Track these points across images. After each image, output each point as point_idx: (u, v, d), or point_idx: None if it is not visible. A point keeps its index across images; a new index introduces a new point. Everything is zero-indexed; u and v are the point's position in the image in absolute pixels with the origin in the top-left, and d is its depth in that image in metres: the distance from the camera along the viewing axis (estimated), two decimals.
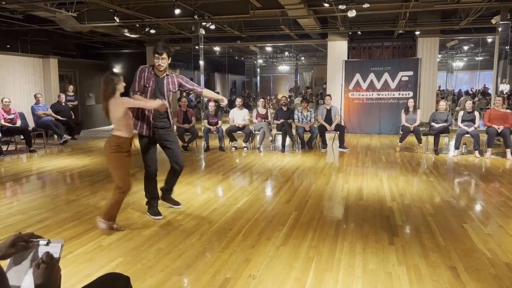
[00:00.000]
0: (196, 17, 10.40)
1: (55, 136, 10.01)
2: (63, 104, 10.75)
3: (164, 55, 4.22)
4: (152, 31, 12.53)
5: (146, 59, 14.63)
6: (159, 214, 4.40)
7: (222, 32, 12.86)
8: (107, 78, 3.82)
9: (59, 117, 10.26)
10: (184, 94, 15.07)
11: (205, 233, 3.94)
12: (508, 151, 7.73)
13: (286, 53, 22.07)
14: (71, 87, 12.12)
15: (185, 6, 9.83)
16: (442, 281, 2.95)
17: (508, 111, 8.13)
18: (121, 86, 3.87)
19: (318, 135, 9.11)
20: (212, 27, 11.83)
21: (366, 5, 9.25)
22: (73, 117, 11.02)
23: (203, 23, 11.52)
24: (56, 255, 1.43)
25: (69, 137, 10.38)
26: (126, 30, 12.77)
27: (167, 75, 4.34)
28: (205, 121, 9.18)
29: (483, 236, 3.83)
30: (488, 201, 5.09)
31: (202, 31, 12.07)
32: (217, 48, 17.79)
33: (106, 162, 4.13)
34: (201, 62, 12.27)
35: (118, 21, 10.46)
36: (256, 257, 3.37)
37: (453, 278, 3.00)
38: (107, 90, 3.79)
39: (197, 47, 12.09)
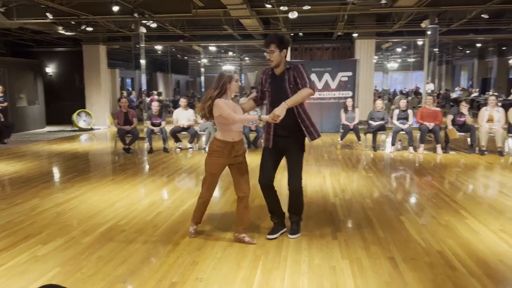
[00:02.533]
0: (136, 15, 10.08)
1: None
2: None
3: (272, 47, 3.48)
4: (89, 29, 11.96)
5: (82, 58, 13.96)
6: (271, 232, 3.79)
7: (164, 30, 12.59)
8: (220, 74, 3.51)
9: None
10: (124, 93, 14.56)
11: (150, 237, 3.83)
12: (438, 146, 8.28)
13: (230, 53, 22.09)
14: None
15: (124, 4, 9.50)
16: (382, 272, 3.09)
17: (438, 109, 8.72)
18: (234, 87, 3.52)
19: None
20: (154, 25, 11.54)
21: (306, 7, 9.50)
22: (2, 119, 10.25)
23: (144, 21, 11.20)
24: None
25: None
26: (60, 28, 12.09)
27: (287, 69, 3.56)
28: (148, 122, 8.93)
29: (418, 227, 4.07)
30: (421, 193, 5.42)
31: (143, 30, 11.74)
32: (159, 47, 17.40)
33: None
34: (142, 61, 11.93)
35: (51, 17, 9.86)
36: (203, 259, 3.33)
37: (392, 268, 3.15)
38: (216, 89, 3.46)
39: (137, 45, 11.73)
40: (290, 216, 3.87)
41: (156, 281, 2.96)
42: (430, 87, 12.05)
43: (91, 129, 13.48)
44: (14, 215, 4.51)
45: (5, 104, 11.13)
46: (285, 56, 3.59)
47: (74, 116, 13.19)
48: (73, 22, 11.85)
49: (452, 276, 3.01)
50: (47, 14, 9.70)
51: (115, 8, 9.25)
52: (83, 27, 11.87)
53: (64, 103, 14.76)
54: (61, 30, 12.15)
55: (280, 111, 3.35)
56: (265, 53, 3.61)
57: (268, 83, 3.67)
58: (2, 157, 8.32)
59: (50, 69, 15.26)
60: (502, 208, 4.66)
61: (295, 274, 3.07)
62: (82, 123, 13.34)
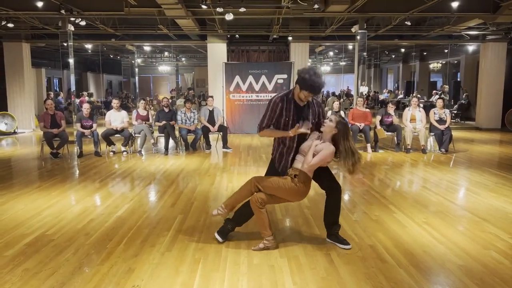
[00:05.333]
0: (63, 11, 9.52)
1: None
2: None
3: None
4: (10, 25, 11.07)
5: (3, 56, 12.89)
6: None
7: (94, 29, 12.01)
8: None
9: None
10: (51, 94, 13.80)
11: (81, 246, 3.63)
12: (368, 145, 8.75)
13: (166, 53, 21.62)
14: None
15: None
16: (319, 268, 3.19)
17: (368, 110, 9.21)
18: None
19: (202, 136, 9.11)
20: (83, 23, 10.98)
21: (242, 9, 9.57)
22: None
23: (72, 19, 10.61)
24: None
25: None
26: None
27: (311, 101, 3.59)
28: (78, 124, 8.46)
29: (351, 222, 4.26)
30: (354, 191, 5.69)
31: (71, 27, 11.12)
32: (89, 46, 16.56)
33: None
34: (71, 61, 11.30)
35: None
36: (140, 266, 3.22)
37: (328, 264, 3.27)
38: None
39: (65, 44, 11.08)
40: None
41: None
42: (364, 89, 12.67)
43: (14, 132, 12.50)
44: None
45: None
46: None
47: None
48: None
49: (382, 268, 3.19)
50: None
51: (39, 4, 8.66)
52: (3, 23, 10.96)
53: None
54: None
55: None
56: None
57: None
58: None
59: None
60: (425, 202, 5.02)
61: (235, 275, 3.07)
62: (3, 127, 12.32)
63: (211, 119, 9.21)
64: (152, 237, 3.84)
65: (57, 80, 20.48)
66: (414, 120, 8.73)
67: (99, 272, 3.12)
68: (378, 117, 8.90)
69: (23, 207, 4.83)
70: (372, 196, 5.33)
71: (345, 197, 5.40)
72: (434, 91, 18.81)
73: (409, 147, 8.59)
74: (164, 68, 25.13)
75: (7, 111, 12.91)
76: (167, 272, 3.12)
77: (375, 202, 5.02)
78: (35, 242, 3.73)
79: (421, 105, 9.81)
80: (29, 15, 10.56)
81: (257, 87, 12.38)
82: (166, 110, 9.14)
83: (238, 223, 3.79)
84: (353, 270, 3.16)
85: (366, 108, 9.35)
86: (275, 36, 13.53)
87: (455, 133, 10.00)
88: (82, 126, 8.38)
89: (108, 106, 16.26)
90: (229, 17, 9.85)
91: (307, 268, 3.19)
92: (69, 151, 8.71)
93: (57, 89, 20.05)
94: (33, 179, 6.50)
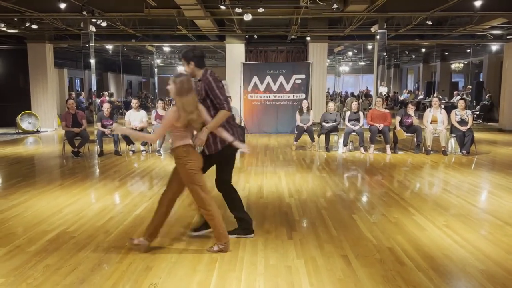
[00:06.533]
0: (85, 13, 9.70)
1: None
2: None
3: (182, 61, 3.74)
4: (34, 26, 11.35)
5: (27, 57, 13.22)
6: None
7: (115, 30, 12.21)
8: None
9: None
10: (73, 94, 14.08)
11: (101, 244, 3.69)
12: (387, 146, 8.63)
13: None
14: None
15: (72, 1, 9.12)
16: (336, 270, 3.17)
17: (387, 110, 9.09)
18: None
19: None
20: (104, 24, 11.16)
21: (260, 10, 9.58)
22: None
23: (93, 20, 10.81)
24: None
25: None
26: (2, 25, 11.38)
27: (199, 80, 3.68)
28: (99, 123, 8.61)
29: (369, 224, 4.21)
30: (372, 192, 5.62)
31: (93, 28, 11.32)
32: (110, 47, 16.84)
33: None
34: (92, 61, 11.50)
35: None
36: (158, 264, 3.26)
37: (345, 265, 3.24)
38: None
39: (87, 45, 11.29)
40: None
41: None
42: (384, 90, 12.53)
43: (37, 131, 12.81)
44: None
45: None
46: (195, 67, 3.66)
47: (18, 118, 12.48)
48: (16, 19, 11.21)
49: (401, 271, 3.14)
50: None
51: (62, 5, 8.85)
52: (27, 25, 11.25)
53: (7, 104, 13.92)
54: (3, 27, 11.44)
55: (203, 136, 3.55)
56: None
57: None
58: None
59: None
60: (446, 205, 4.93)
61: (252, 275, 3.08)
62: (26, 125, 12.64)
63: None
64: (170, 236, 3.87)
65: (78, 80, 20.90)
66: (435, 121, 8.58)
67: (118, 269, 3.17)
68: (398, 118, 8.77)
69: (46, 204, 4.95)
70: (391, 198, 5.26)
71: (363, 198, 5.35)
72: (456, 92, 18.46)
73: (430, 148, 8.44)
74: (183, 68, 25.30)
75: (30, 110, 13.24)
76: (184, 271, 3.15)
77: (394, 204, 4.95)
78: (56, 238, 3.82)
79: (443, 106, 9.64)
80: (52, 17, 10.80)
81: (274, 87, 12.37)
82: None
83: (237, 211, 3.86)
84: (370, 272, 3.13)
85: (385, 108, 9.23)
86: (293, 36, 13.49)
87: (477, 135, 9.78)
88: (103, 126, 8.53)
89: (128, 106, 16.50)
90: (247, 17, 9.86)
91: (324, 270, 3.17)
92: (89, 150, 8.87)
93: (79, 89, 20.45)
94: (55, 177, 6.64)
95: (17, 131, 12.51)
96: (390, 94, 21.83)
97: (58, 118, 13.46)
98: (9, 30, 11.78)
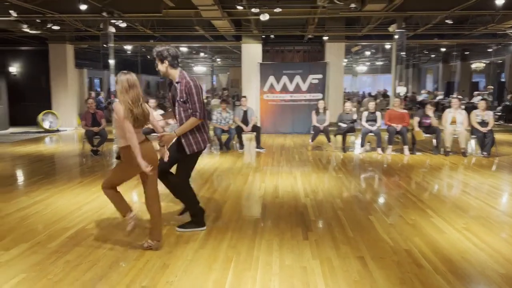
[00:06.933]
0: (104, 14, 9.87)
1: None
2: None
3: (156, 61, 3.77)
4: (56, 27, 11.61)
5: (48, 57, 13.52)
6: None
7: (134, 30, 12.39)
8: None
9: None
10: (93, 94, 14.32)
11: (119, 241, 3.75)
12: (405, 147, 8.52)
13: (202, 54, 21.97)
14: None
15: (93, 2, 9.29)
16: (352, 271, 3.15)
17: (405, 111, 8.97)
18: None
19: (236, 136, 9.19)
20: (123, 25, 11.33)
21: (277, 10, 9.58)
22: None
23: (113, 21, 10.99)
24: None
25: None
26: (25, 26, 11.68)
27: (177, 82, 3.75)
28: None
29: (386, 226, 4.17)
30: (389, 193, 5.56)
31: (112, 29, 11.51)
32: (128, 47, 17.09)
33: None
34: (111, 62, 11.69)
35: (15, 15, 9.52)
36: (174, 262, 3.29)
37: (361, 267, 3.22)
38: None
39: (106, 45, 11.48)
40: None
41: (125, 286, 2.90)
42: (402, 90, 12.38)
43: (58, 130, 13.08)
44: None
45: None
46: (170, 67, 3.73)
47: (40, 117, 12.77)
48: (38, 20, 11.47)
49: (419, 274, 3.11)
50: (11, 11, 9.36)
51: (83, 7, 9.02)
52: (49, 26, 11.51)
53: (29, 103, 14.26)
54: (25, 29, 11.73)
55: (168, 139, 3.76)
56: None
57: (168, 89, 3.97)
58: None
59: (14, 68, 14.69)
60: (465, 207, 4.84)
61: (267, 275, 3.09)
62: (47, 124, 12.92)
63: (245, 119, 9.27)
64: (186, 234, 3.91)
65: (98, 80, 21.25)
66: (454, 122, 8.42)
67: (135, 267, 3.22)
68: (417, 119, 8.65)
69: (66, 201, 5.06)
70: (408, 199, 5.19)
71: (380, 200, 5.29)
72: (476, 92, 18.08)
73: (449, 149, 8.30)
74: (200, 68, 25.51)
75: (51, 109, 13.53)
76: (200, 269, 3.18)
77: (411, 206, 4.89)
78: (75, 235, 3.90)
79: (463, 106, 9.47)
80: (73, 18, 11.03)
81: (291, 87, 12.34)
82: None
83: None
84: (387, 274, 3.10)
85: (403, 109, 9.11)
86: (310, 36, 13.45)
87: (498, 136, 9.57)
88: None
89: None
90: (264, 17, 9.88)
91: (339, 271, 3.15)
92: (108, 148, 9.02)
93: (98, 89, 20.79)
94: (74, 175, 6.78)
95: (38, 130, 12.80)
96: (408, 94, 21.53)
97: (78, 118, 13.71)
98: (31, 31, 12.07)
